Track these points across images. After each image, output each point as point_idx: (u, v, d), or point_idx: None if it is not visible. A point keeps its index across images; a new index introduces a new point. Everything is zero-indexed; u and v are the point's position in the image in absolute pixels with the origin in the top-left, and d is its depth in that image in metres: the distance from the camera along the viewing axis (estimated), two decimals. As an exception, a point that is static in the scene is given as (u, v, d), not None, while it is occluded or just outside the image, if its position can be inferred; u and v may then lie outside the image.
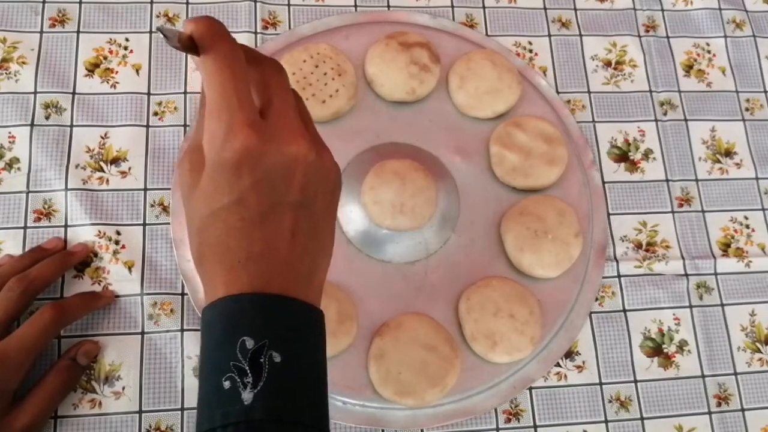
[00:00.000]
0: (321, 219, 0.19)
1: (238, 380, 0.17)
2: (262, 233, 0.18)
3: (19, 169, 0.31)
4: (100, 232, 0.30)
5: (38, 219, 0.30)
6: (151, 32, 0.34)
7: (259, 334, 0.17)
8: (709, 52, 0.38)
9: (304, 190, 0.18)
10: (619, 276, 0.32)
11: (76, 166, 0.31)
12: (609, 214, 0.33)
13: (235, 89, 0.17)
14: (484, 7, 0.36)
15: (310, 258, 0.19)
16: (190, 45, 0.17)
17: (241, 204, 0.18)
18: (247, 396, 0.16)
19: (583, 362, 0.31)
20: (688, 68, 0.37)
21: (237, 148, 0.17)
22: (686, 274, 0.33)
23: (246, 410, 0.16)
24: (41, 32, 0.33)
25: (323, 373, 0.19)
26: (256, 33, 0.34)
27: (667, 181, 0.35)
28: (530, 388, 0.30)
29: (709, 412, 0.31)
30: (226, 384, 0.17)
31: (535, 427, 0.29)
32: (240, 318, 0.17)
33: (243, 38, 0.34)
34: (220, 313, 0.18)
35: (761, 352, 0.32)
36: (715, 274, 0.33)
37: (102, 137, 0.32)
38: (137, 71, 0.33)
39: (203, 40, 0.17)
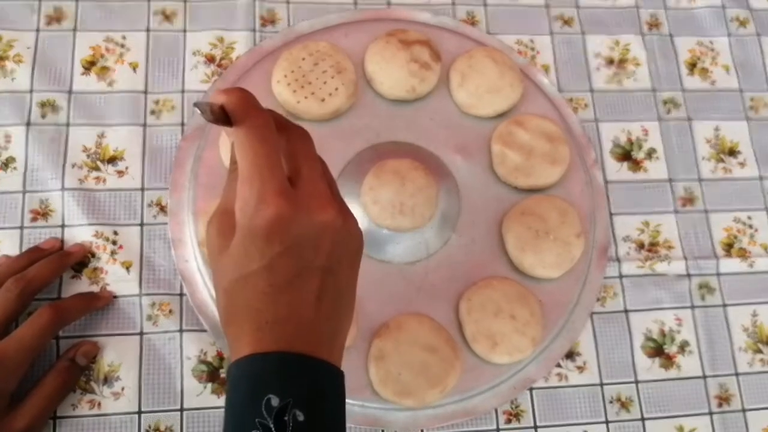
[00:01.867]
0: (345, 283, 0.20)
1: None
2: (289, 297, 0.19)
3: (15, 168, 0.30)
4: (97, 232, 0.30)
5: (35, 219, 0.30)
6: (148, 30, 0.33)
7: (284, 393, 0.18)
8: (712, 50, 0.37)
9: (331, 257, 0.19)
10: (621, 276, 0.32)
11: (73, 166, 0.31)
12: (611, 214, 0.33)
13: (267, 159, 0.18)
14: (485, 5, 0.36)
15: (334, 321, 0.20)
16: (222, 117, 0.18)
17: (271, 270, 0.19)
18: None
19: (584, 363, 0.31)
20: (692, 67, 0.37)
21: (269, 216, 0.18)
22: (688, 275, 0.33)
23: None
24: (37, 30, 0.33)
25: (343, 431, 0.19)
26: (254, 30, 0.34)
27: (670, 180, 0.34)
28: (531, 389, 0.30)
29: (711, 413, 0.31)
30: None
31: (536, 427, 0.29)
32: (266, 376, 0.18)
33: (241, 36, 0.34)
34: (246, 371, 0.18)
35: (763, 353, 0.32)
36: (718, 274, 0.33)
37: (99, 136, 0.31)
38: (134, 69, 0.32)
39: (236, 112, 0.18)
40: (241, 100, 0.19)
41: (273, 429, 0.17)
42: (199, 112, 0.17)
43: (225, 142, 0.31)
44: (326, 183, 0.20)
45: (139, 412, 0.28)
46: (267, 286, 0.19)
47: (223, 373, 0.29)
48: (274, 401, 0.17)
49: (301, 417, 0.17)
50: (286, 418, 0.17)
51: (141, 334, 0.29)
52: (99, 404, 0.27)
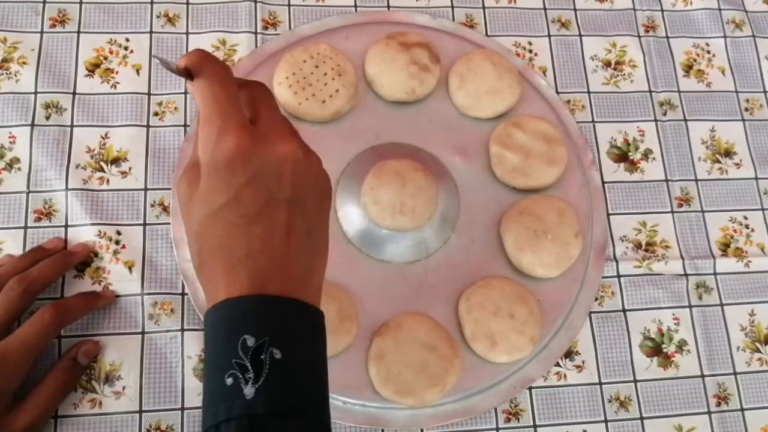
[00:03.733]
0: (314, 220, 0.20)
1: (240, 376, 0.17)
2: (259, 230, 0.19)
3: (19, 169, 0.31)
4: (100, 232, 0.30)
5: (38, 219, 0.30)
6: (151, 32, 0.34)
7: (260, 333, 0.17)
8: (708, 52, 0.38)
9: (295, 188, 0.19)
10: (618, 276, 0.32)
11: (77, 166, 0.31)
12: (608, 214, 0.33)
13: (226, 99, 0.19)
14: (483, 8, 0.36)
15: (306, 258, 0.20)
16: (185, 73, 0.20)
17: (237, 201, 0.19)
18: (248, 391, 0.17)
19: (583, 362, 0.31)
20: (688, 68, 0.37)
21: (230, 146, 0.18)
22: (686, 274, 0.33)
23: (248, 404, 0.17)
24: (42, 32, 0.33)
25: (324, 369, 0.19)
26: (256, 33, 0.34)
27: (667, 181, 0.35)
28: (530, 388, 0.30)
29: (709, 412, 0.31)
30: (229, 381, 0.17)
31: (535, 426, 0.29)
32: (241, 318, 0.18)
33: (243, 38, 0.34)
34: (222, 316, 0.18)
35: (761, 352, 0.32)
36: (715, 274, 0.33)
37: (102, 137, 0.32)
38: (137, 71, 0.33)
39: (195, 66, 0.19)
40: (199, 55, 0.19)
41: (250, 367, 0.17)
42: (158, 61, 0.18)
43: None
44: (286, 124, 0.20)
45: (140, 411, 0.28)
46: (236, 217, 0.18)
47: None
48: (250, 341, 0.17)
49: (278, 354, 0.17)
50: (262, 357, 0.17)
51: (142, 333, 0.29)
52: (100, 403, 0.28)
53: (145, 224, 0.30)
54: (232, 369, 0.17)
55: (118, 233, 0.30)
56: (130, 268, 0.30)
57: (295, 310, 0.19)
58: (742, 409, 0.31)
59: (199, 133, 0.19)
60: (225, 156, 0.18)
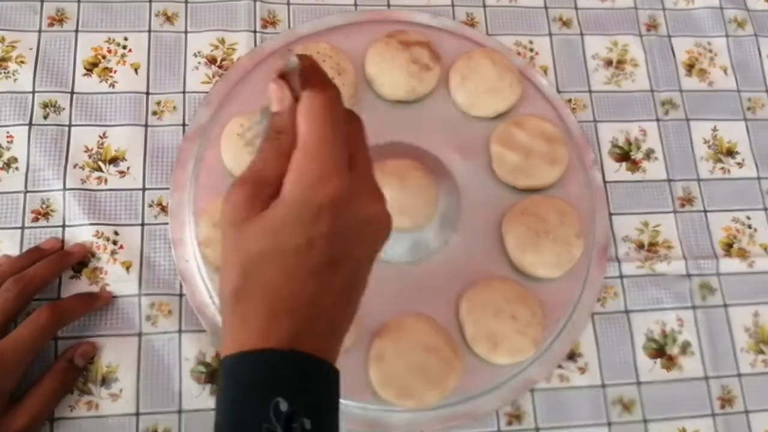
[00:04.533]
0: (365, 280, 0.19)
1: None
2: (317, 285, 0.17)
3: (17, 168, 0.30)
4: (98, 232, 0.30)
5: (36, 219, 0.30)
6: (150, 31, 0.34)
7: (294, 398, 0.16)
8: (710, 51, 0.37)
9: (372, 250, 0.19)
10: (621, 276, 0.32)
11: (75, 166, 0.31)
12: (610, 214, 0.33)
13: (335, 134, 0.17)
14: (484, 6, 0.36)
15: (346, 316, 0.19)
16: (296, 75, 0.17)
17: (309, 250, 0.17)
18: None
19: (586, 364, 0.30)
20: (690, 67, 0.37)
21: (328, 194, 0.17)
22: (689, 275, 0.33)
23: None
24: (40, 31, 0.33)
25: None
26: (255, 32, 0.34)
27: (669, 180, 0.34)
28: (532, 390, 0.30)
29: (713, 414, 0.30)
30: None
31: (537, 429, 0.29)
32: (276, 376, 0.17)
33: (242, 37, 0.34)
34: (255, 367, 0.17)
35: (765, 354, 0.32)
36: (718, 274, 0.33)
37: (100, 137, 0.31)
38: (136, 70, 0.33)
39: (311, 75, 0.18)
40: (316, 65, 0.18)
41: None
42: (290, 59, 0.16)
43: (226, 143, 0.31)
44: (374, 176, 0.19)
45: (137, 414, 0.27)
46: (299, 267, 0.17)
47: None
48: (283, 406, 0.16)
49: (308, 425, 0.16)
50: (294, 425, 0.16)
51: (140, 334, 0.28)
52: (97, 405, 0.27)
53: (143, 224, 0.30)
54: None
55: (116, 233, 0.30)
56: (127, 269, 0.29)
57: (326, 373, 0.18)
58: (747, 412, 0.31)
59: (297, 162, 0.17)
60: (320, 201, 0.17)
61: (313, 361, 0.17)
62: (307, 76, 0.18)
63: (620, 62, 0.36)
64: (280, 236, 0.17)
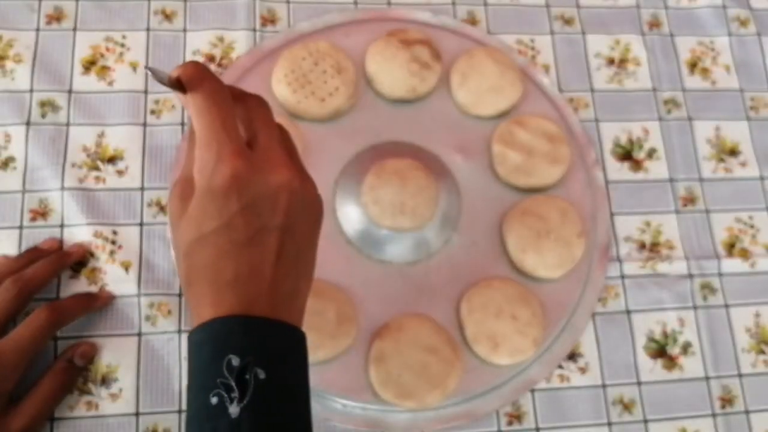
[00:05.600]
0: (303, 244, 0.21)
1: (225, 396, 0.17)
2: (249, 256, 0.19)
3: (14, 168, 0.30)
4: (96, 232, 0.30)
5: (34, 218, 0.30)
6: (148, 30, 0.33)
7: (245, 353, 0.18)
8: (713, 50, 0.37)
9: (288, 216, 0.20)
10: (622, 276, 0.32)
11: (73, 165, 0.31)
12: (612, 214, 0.33)
13: (223, 121, 0.19)
14: (485, 4, 0.36)
15: (293, 281, 0.20)
16: (178, 85, 0.19)
17: (229, 228, 0.19)
18: (233, 410, 0.17)
19: (586, 364, 0.30)
20: (692, 66, 0.37)
21: (226, 174, 0.19)
22: (690, 275, 0.32)
23: (233, 423, 0.17)
24: (37, 30, 0.32)
25: (306, 391, 0.20)
26: (255, 30, 0.34)
27: (671, 180, 0.34)
28: (532, 390, 0.30)
29: (714, 415, 0.30)
30: (214, 400, 0.17)
31: (538, 429, 0.29)
32: (226, 338, 0.18)
33: (241, 35, 0.34)
34: (207, 334, 0.19)
35: (766, 354, 0.32)
36: (720, 274, 0.33)
37: (98, 136, 0.31)
38: (134, 69, 0.32)
39: (190, 80, 0.19)
40: (194, 68, 0.19)
41: (235, 387, 0.17)
42: (150, 74, 0.18)
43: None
44: (283, 147, 0.20)
45: (137, 414, 0.27)
46: (226, 243, 0.19)
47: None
48: (235, 361, 0.17)
49: (262, 375, 0.17)
50: (247, 377, 0.17)
51: (139, 334, 0.28)
52: (96, 405, 0.27)
53: (141, 224, 0.30)
54: (217, 388, 0.17)
55: (115, 233, 0.30)
56: (126, 269, 0.29)
57: (280, 331, 0.19)
58: (747, 412, 0.31)
59: (196, 154, 0.19)
60: (221, 183, 0.18)
61: (263, 321, 0.18)
62: (188, 80, 0.19)
63: (622, 61, 0.36)
64: (202, 223, 0.19)
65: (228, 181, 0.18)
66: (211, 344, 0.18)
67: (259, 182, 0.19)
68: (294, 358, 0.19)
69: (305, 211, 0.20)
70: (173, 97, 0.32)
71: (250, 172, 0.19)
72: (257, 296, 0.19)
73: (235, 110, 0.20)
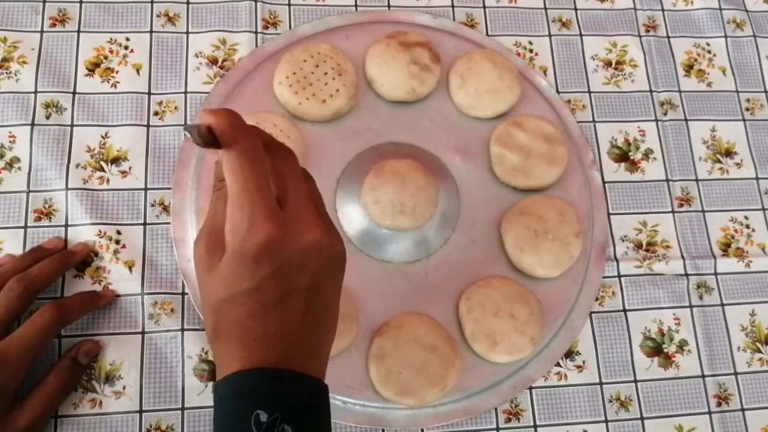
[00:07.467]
0: (329, 299, 0.21)
1: None
2: (277, 315, 0.19)
3: (19, 168, 0.31)
4: (100, 231, 0.30)
5: (39, 218, 0.30)
6: (151, 32, 0.34)
7: (273, 409, 0.18)
8: (709, 52, 0.38)
9: (317, 275, 0.20)
10: (619, 276, 0.32)
11: (77, 166, 0.31)
12: (609, 214, 0.33)
13: (257, 183, 0.19)
14: (484, 7, 0.36)
15: (319, 335, 0.21)
16: (210, 138, 0.19)
17: (259, 290, 0.19)
18: None
19: (584, 362, 0.31)
20: (689, 68, 0.37)
21: (259, 240, 0.19)
22: (686, 274, 0.33)
23: None
24: (42, 32, 0.33)
25: None
26: (256, 33, 0.34)
27: (668, 180, 0.35)
28: (530, 388, 0.30)
29: (709, 412, 0.31)
30: None
31: (535, 426, 0.29)
32: (254, 392, 0.19)
33: (243, 38, 0.34)
34: (235, 387, 0.19)
35: (761, 352, 0.32)
36: (716, 273, 0.33)
37: (102, 137, 0.32)
38: (138, 71, 0.33)
39: (225, 135, 0.19)
40: (229, 121, 0.19)
41: None
42: (188, 135, 0.18)
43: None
44: (312, 203, 0.21)
45: (141, 411, 0.28)
46: (256, 304, 0.19)
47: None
48: (263, 416, 0.18)
49: (289, 431, 0.18)
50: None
51: (143, 333, 0.29)
52: (100, 403, 0.28)
53: (145, 224, 0.30)
54: None
55: (118, 233, 0.30)
56: (130, 268, 0.30)
57: (307, 385, 0.19)
58: (743, 409, 0.31)
59: (228, 213, 0.19)
60: (253, 248, 0.19)
61: (291, 376, 0.19)
62: (223, 134, 0.19)
63: (619, 63, 0.36)
64: (233, 284, 0.19)
65: (261, 247, 0.19)
66: (238, 397, 0.18)
67: (290, 245, 0.19)
68: (320, 413, 0.20)
69: (332, 268, 0.21)
70: (176, 99, 0.33)
71: (282, 236, 0.19)
72: (284, 351, 0.19)
73: (267, 165, 0.20)
